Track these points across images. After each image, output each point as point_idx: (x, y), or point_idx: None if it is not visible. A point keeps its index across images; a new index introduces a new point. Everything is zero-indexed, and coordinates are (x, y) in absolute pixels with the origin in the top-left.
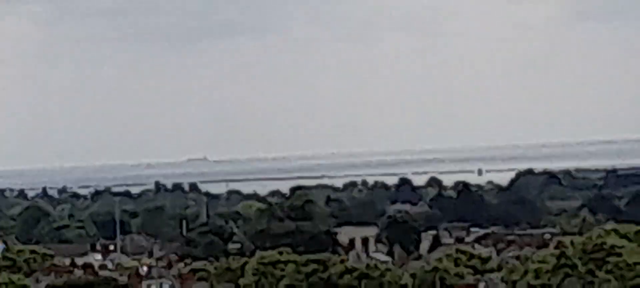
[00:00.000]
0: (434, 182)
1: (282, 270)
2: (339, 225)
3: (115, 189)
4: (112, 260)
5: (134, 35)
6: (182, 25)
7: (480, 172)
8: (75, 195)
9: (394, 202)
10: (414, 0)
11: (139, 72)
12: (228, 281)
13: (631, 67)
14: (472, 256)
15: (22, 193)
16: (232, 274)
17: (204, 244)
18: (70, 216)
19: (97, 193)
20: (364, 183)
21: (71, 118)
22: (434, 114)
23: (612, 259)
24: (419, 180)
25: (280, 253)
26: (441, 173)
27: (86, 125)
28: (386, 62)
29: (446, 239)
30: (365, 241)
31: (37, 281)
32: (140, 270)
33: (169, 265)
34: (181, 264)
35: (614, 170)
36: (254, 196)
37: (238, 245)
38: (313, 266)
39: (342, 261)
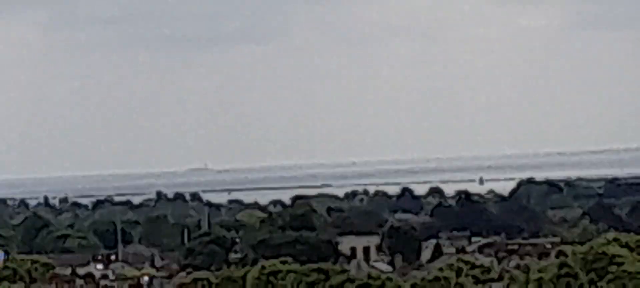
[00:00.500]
0: (435, 191)
1: (284, 279)
2: (341, 234)
3: (117, 199)
4: (113, 270)
5: (135, 44)
6: (184, 33)
7: (481, 181)
8: (77, 205)
9: (395, 211)
10: (415, 9)
11: (140, 80)
12: None
13: (633, 76)
14: (473, 265)
15: (23, 203)
16: (234, 284)
17: (206, 254)
18: (72, 226)
19: (98, 203)
20: (365, 192)
21: (73, 127)
22: (435, 123)
23: (613, 268)
24: (420, 190)
25: (282, 262)
26: (442, 182)
27: (88, 134)
28: (388, 71)
29: (447, 248)
30: (366, 250)
31: None
32: (141, 280)
33: (170, 275)
34: (182, 274)
35: (615, 179)
36: (256, 205)
37: (239, 255)
38: (314, 275)
39: (343, 271)
